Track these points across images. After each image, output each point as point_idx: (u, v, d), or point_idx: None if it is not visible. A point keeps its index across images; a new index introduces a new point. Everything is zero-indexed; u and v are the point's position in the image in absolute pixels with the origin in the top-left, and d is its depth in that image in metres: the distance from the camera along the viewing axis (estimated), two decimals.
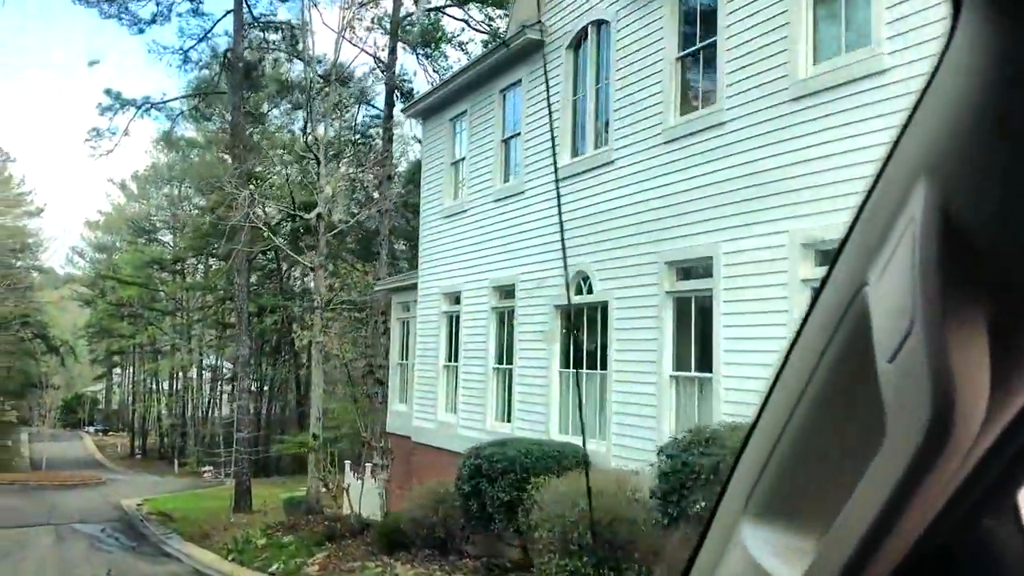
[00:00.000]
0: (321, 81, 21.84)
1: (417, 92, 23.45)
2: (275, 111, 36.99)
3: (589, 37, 11.35)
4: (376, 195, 28.15)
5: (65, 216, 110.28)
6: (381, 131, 26.06)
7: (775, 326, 7.58)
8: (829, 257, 0.70)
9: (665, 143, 9.63)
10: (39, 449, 49.23)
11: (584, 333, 11.06)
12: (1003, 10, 0.48)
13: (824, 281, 0.67)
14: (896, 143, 0.59)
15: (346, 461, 19.02)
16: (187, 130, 41.77)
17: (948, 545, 0.63)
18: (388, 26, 24.44)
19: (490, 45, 16.78)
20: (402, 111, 20.46)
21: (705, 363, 8.71)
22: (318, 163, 19.60)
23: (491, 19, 25.26)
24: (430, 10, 25.29)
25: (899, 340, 0.55)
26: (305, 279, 45.53)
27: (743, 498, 0.79)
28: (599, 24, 11.18)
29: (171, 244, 53.25)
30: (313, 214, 19.29)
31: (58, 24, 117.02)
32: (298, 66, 29.88)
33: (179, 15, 29.62)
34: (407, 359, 17.03)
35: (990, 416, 0.54)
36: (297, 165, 30.23)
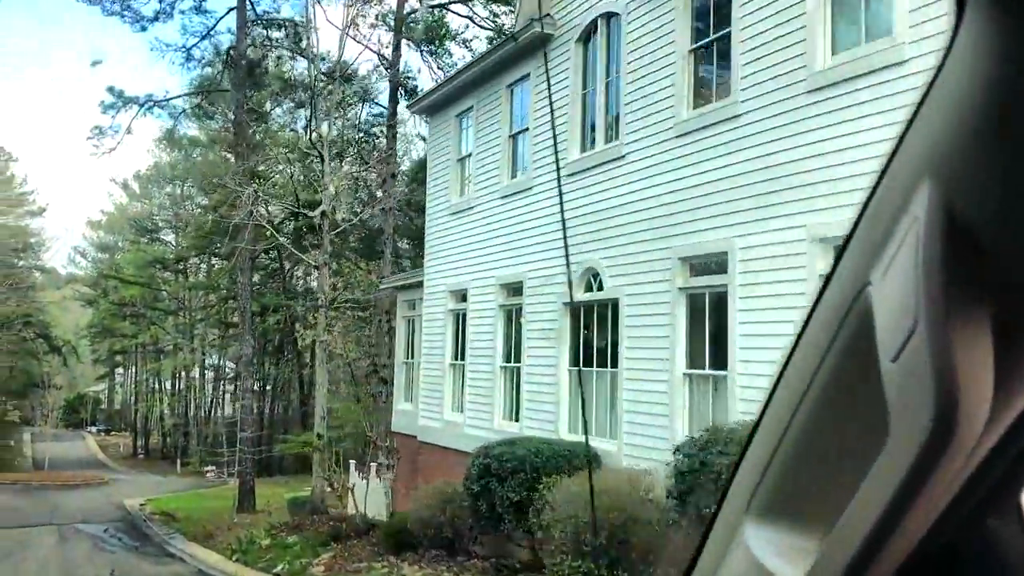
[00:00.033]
0: (325, 78, 21.69)
1: (421, 89, 23.30)
2: (278, 110, 36.87)
3: (599, 30, 11.19)
4: (379, 194, 28.03)
5: (67, 216, 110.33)
6: (385, 129, 25.89)
7: (792, 323, 7.41)
8: None
9: (677, 137, 9.47)
10: (41, 449, 49.16)
11: (594, 330, 10.90)
12: (1007, 10, 0.47)
13: (827, 280, 0.67)
14: (900, 142, 0.58)
15: (351, 461, 18.88)
16: (190, 129, 41.70)
17: (952, 545, 0.62)
18: (392, 23, 24.29)
19: (495, 41, 16.62)
20: (407, 107, 20.33)
21: (719, 360, 8.55)
22: (322, 160, 19.45)
23: (495, 15, 25.11)
24: (434, 7, 25.14)
25: (902, 339, 0.55)
26: (308, 278, 45.43)
27: (746, 498, 0.78)
28: (609, 17, 11.02)
29: (174, 243, 53.15)
30: (317, 212, 19.14)
31: (60, 23, 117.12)
32: (301, 64, 29.76)
33: (182, 12, 29.42)
34: (412, 358, 16.88)
35: (994, 415, 0.54)
36: (300, 164, 30.08)
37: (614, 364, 10.24)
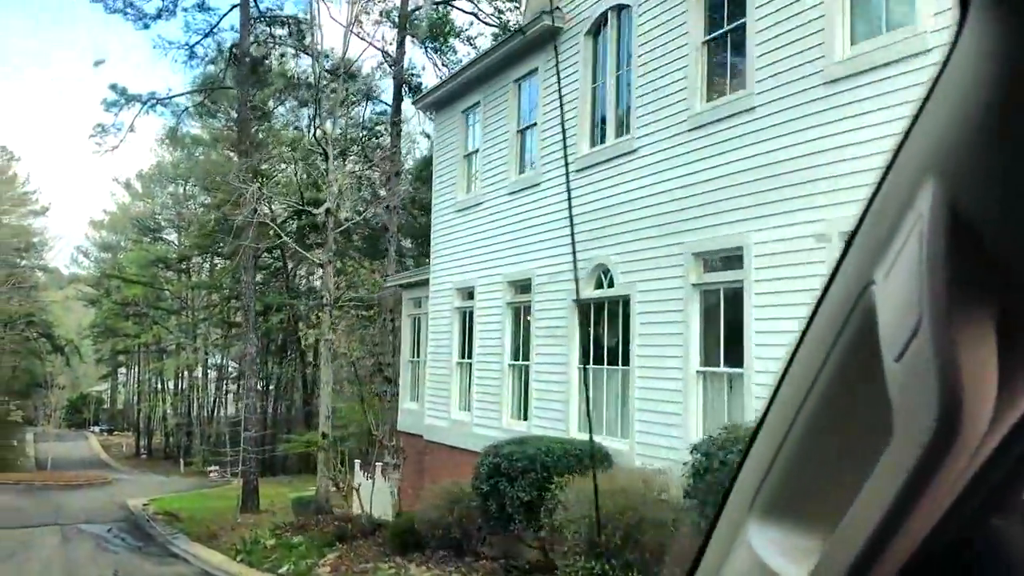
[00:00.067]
0: (329, 76, 21.56)
1: (425, 87, 23.16)
2: (281, 108, 36.76)
3: (609, 23, 11.02)
4: (383, 192, 27.88)
5: (70, 215, 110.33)
6: (389, 126, 25.75)
7: None
8: None
9: (691, 130, 9.30)
10: (44, 449, 49.15)
11: (604, 328, 10.74)
12: (1011, 8, 0.47)
13: (831, 278, 0.67)
14: (904, 140, 0.58)
15: (356, 460, 18.73)
16: (192, 127, 41.56)
17: (956, 544, 0.62)
18: (396, 19, 24.14)
19: (500, 38, 16.46)
20: (413, 103, 20.18)
21: (735, 358, 8.38)
22: (326, 158, 19.31)
23: (500, 12, 24.95)
24: (438, 3, 24.97)
25: (906, 338, 0.55)
26: (310, 278, 45.35)
27: (749, 497, 0.78)
28: (619, 9, 10.85)
29: (176, 243, 53.06)
30: (322, 209, 19.00)
31: (62, 22, 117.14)
32: (304, 62, 29.64)
33: (184, 10, 29.30)
34: (418, 356, 16.73)
35: (998, 415, 0.54)
36: (304, 162, 29.95)
37: (625, 362, 10.08)
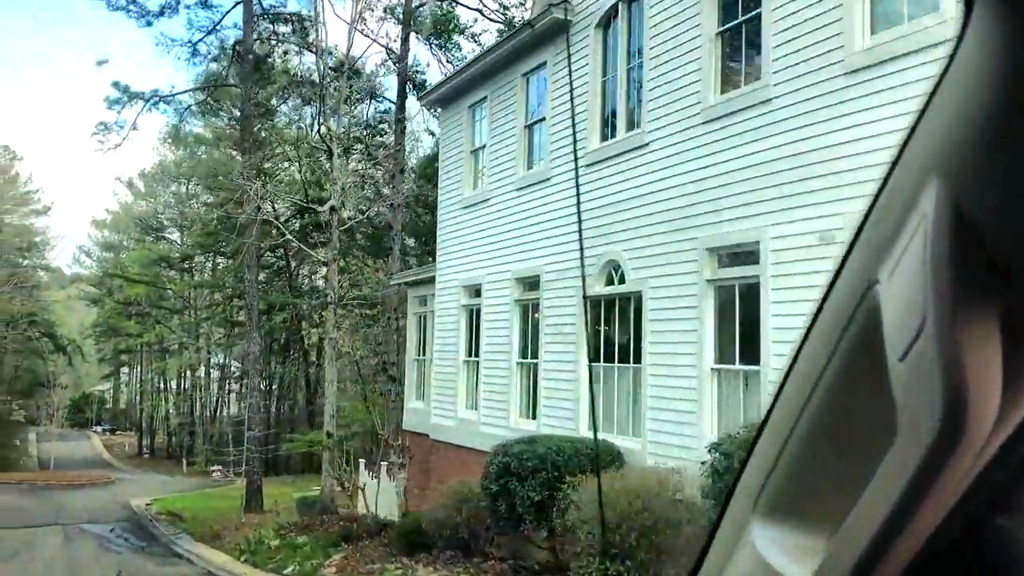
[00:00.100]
0: (333, 73, 21.40)
1: (429, 84, 22.98)
2: (284, 107, 36.62)
3: (620, 14, 10.84)
4: (387, 191, 27.71)
5: (72, 215, 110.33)
6: (393, 123, 25.59)
7: None
8: None
9: (704, 123, 9.13)
10: (47, 449, 49.04)
11: (615, 325, 10.57)
12: (1015, 9, 0.48)
13: (834, 279, 0.67)
14: (907, 140, 0.58)
15: (360, 460, 18.58)
16: (195, 126, 41.44)
17: (960, 544, 0.62)
18: (400, 16, 23.98)
19: (505, 34, 16.28)
20: (418, 99, 20.00)
21: (751, 355, 8.21)
22: (330, 155, 19.15)
23: (505, 8, 24.77)
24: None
25: (910, 338, 0.55)
26: (313, 277, 45.22)
27: (753, 497, 0.77)
28: (630, 1, 10.68)
29: (179, 242, 52.96)
30: (327, 206, 18.85)
31: (63, 21, 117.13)
32: (307, 59, 29.49)
33: (187, 7, 29.12)
34: (424, 355, 16.57)
35: (1002, 414, 0.54)
36: (307, 160, 29.78)
37: (636, 359, 9.91)
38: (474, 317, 14.18)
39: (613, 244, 10.39)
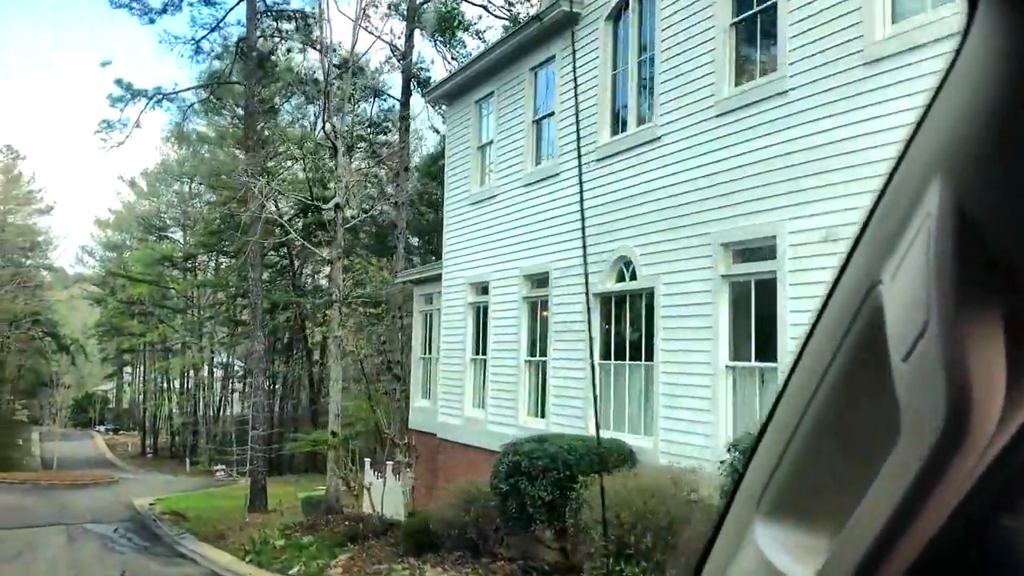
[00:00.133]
0: (337, 70, 21.26)
1: (434, 81, 22.82)
2: (287, 105, 36.50)
3: (630, 6, 10.68)
4: (390, 189, 27.59)
5: (75, 214, 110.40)
6: (398, 121, 25.44)
7: None
8: None
9: (718, 116, 8.96)
10: (50, 448, 48.94)
11: (626, 322, 10.41)
12: (1019, 7, 0.48)
13: (838, 278, 0.67)
14: (911, 140, 0.59)
15: (366, 459, 18.44)
16: (198, 125, 41.33)
17: (963, 544, 0.62)
18: (405, 12, 23.83)
19: (510, 31, 16.12)
20: (424, 95, 19.87)
21: (767, 352, 8.05)
22: (335, 152, 19.01)
23: (511, 3, 24.60)
24: None
25: (914, 338, 0.55)
26: (316, 276, 45.10)
27: (756, 496, 0.77)
28: None
29: (182, 241, 52.87)
30: (331, 204, 18.70)
31: (65, 19, 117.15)
32: (311, 56, 29.36)
33: (190, 4, 29.03)
34: (430, 353, 16.42)
35: (1006, 414, 0.54)
36: (311, 158, 29.66)
37: (649, 357, 9.75)
38: (481, 315, 14.03)
39: (624, 240, 10.23)
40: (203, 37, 28.79)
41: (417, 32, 24.48)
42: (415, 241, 32.69)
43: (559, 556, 9.68)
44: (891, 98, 7.01)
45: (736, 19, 8.95)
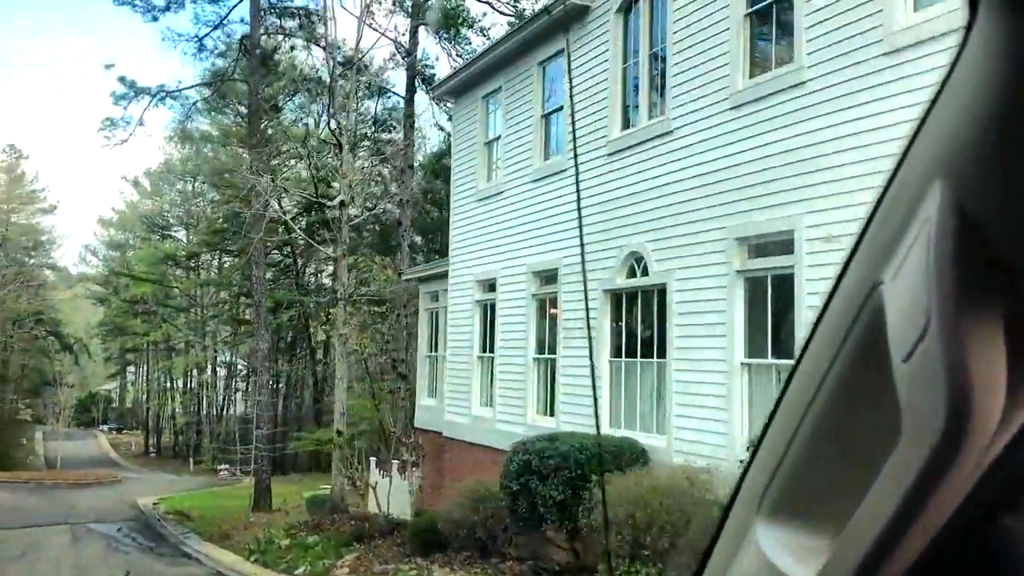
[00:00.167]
0: (341, 67, 21.11)
1: (439, 78, 22.66)
2: (290, 104, 36.36)
3: None
4: (393, 187, 27.44)
5: (78, 214, 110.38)
6: (402, 118, 25.30)
7: None
8: None
9: (732, 108, 8.80)
10: (54, 448, 48.88)
11: (638, 318, 10.25)
12: (1020, 10, 0.48)
13: (838, 280, 0.67)
14: (912, 142, 0.59)
15: (371, 458, 18.31)
16: (201, 123, 41.23)
17: (965, 544, 0.62)
18: (409, 8, 23.67)
19: (515, 27, 15.96)
20: (430, 90, 19.73)
21: (784, 348, 7.89)
22: (340, 149, 18.87)
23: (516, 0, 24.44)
24: None
25: (914, 339, 0.55)
26: (320, 275, 45.00)
27: (757, 497, 0.77)
28: None
29: (185, 240, 52.79)
30: (336, 201, 18.57)
31: (68, 19, 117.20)
32: (314, 54, 29.16)
33: (193, 1, 28.94)
34: (436, 351, 16.28)
35: (1006, 415, 0.54)
36: (317, 154, 29.52)
37: (661, 354, 9.59)
38: (488, 312, 13.88)
39: (635, 235, 10.08)
40: (206, 34, 28.69)
41: (421, 29, 24.33)
42: (418, 239, 32.56)
43: (570, 556, 9.53)
44: (912, 89, 6.84)
45: (751, 9, 8.79)
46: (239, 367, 49.51)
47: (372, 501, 16.01)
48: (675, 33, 9.72)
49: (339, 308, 18.89)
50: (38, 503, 26.10)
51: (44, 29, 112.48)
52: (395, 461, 16.64)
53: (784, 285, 7.97)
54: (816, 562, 0.68)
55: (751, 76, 8.73)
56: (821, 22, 7.79)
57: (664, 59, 10.01)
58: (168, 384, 58.58)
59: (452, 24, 24.10)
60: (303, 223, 33.03)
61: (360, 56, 20.83)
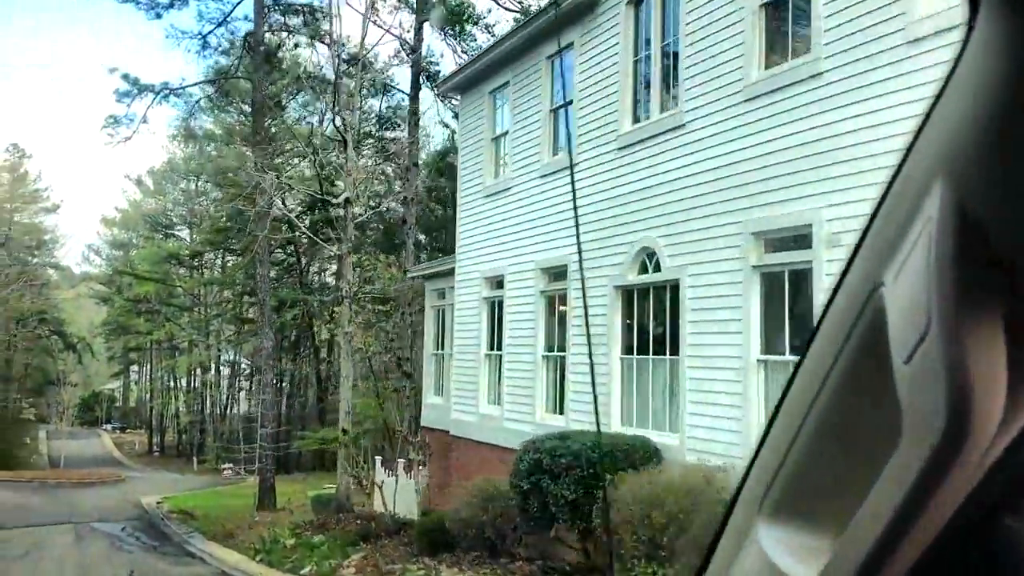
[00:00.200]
0: (346, 65, 20.99)
1: (443, 75, 22.51)
2: (293, 103, 36.26)
3: None
4: (398, 186, 27.32)
5: (81, 213, 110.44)
6: (407, 116, 25.15)
7: None
8: None
9: (746, 101, 8.64)
10: (57, 447, 48.89)
11: (649, 315, 10.10)
12: (1020, 10, 0.48)
13: (840, 281, 0.67)
14: (913, 142, 0.59)
15: (377, 457, 18.17)
16: (205, 122, 41.13)
17: (966, 544, 0.62)
18: (414, 5, 23.52)
19: (520, 23, 15.81)
20: (436, 86, 19.59)
21: (802, 345, 7.71)
22: (345, 146, 18.74)
23: None
24: None
25: (915, 340, 0.55)
26: (323, 274, 44.89)
27: (759, 497, 0.78)
28: None
29: (188, 239, 52.71)
30: (342, 198, 18.44)
31: (72, 17, 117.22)
32: (318, 53, 29.07)
33: None
34: (443, 349, 16.13)
35: (1007, 416, 0.54)
36: (321, 153, 29.41)
37: (674, 351, 9.43)
38: (496, 309, 13.73)
39: (647, 231, 9.92)
40: (210, 32, 28.56)
41: (426, 25, 24.18)
42: (422, 238, 32.42)
43: (581, 557, 9.38)
44: (933, 80, 6.66)
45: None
46: (243, 366, 49.41)
47: (378, 500, 15.87)
48: (688, 24, 9.56)
49: (344, 306, 18.77)
50: (42, 502, 26.01)
51: (45, 28, 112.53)
52: (401, 460, 16.50)
53: (802, 280, 7.81)
54: (818, 562, 0.68)
55: (767, 67, 8.57)
56: (839, 11, 7.63)
57: (676, 51, 9.85)
58: (172, 383, 58.52)
59: (457, 20, 23.96)
60: (307, 221, 32.90)
61: (365, 52, 20.69)
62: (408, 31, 24.29)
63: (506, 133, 13.76)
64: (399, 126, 29.91)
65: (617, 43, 10.82)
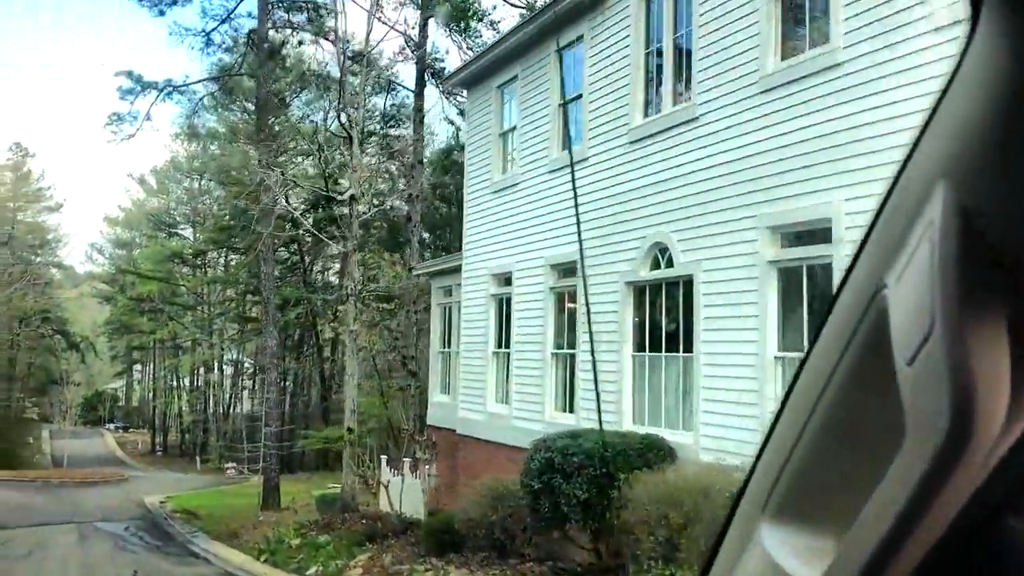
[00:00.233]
0: (351, 62, 20.83)
1: (449, 71, 22.34)
2: (297, 100, 36.11)
3: None
4: (403, 184, 27.17)
5: (84, 212, 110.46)
6: (412, 112, 25.00)
7: None
8: None
9: (762, 92, 8.47)
10: (60, 446, 48.79)
11: (662, 311, 9.94)
12: (1021, 11, 0.48)
13: (843, 283, 0.67)
14: (916, 145, 0.59)
15: (382, 456, 18.03)
16: (209, 120, 41.02)
17: (970, 545, 0.62)
18: (419, 1, 23.37)
19: (526, 19, 15.64)
20: (443, 81, 19.43)
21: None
22: (350, 143, 18.59)
23: None
24: None
25: (918, 342, 0.55)
26: (327, 272, 44.76)
27: (762, 498, 0.77)
28: None
29: (191, 238, 52.63)
30: (347, 195, 18.29)
31: (76, 16, 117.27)
32: (323, 49, 28.91)
33: None
34: (449, 347, 15.98)
35: (1011, 415, 0.54)
36: (324, 152, 29.27)
37: (687, 348, 9.27)
38: (504, 306, 13.57)
39: (660, 226, 9.76)
40: (214, 29, 28.41)
41: (431, 22, 24.03)
42: (427, 236, 32.27)
43: (593, 557, 9.23)
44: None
45: None
46: (246, 365, 49.34)
47: (384, 500, 15.73)
48: (701, 15, 9.39)
49: (349, 304, 18.61)
50: (45, 502, 25.92)
51: (47, 27, 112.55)
52: (407, 459, 16.36)
53: (821, 275, 7.65)
54: (821, 563, 0.68)
55: (784, 58, 8.40)
56: (857, 0, 7.46)
57: (689, 43, 9.68)
58: (175, 382, 58.46)
59: (462, 17, 23.79)
60: (311, 219, 32.79)
61: (370, 49, 20.54)
62: (413, 27, 24.17)
63: (514, 128, 13.61)
64: (404, 123, 29.76)
65: (628, 35, 10.66)
